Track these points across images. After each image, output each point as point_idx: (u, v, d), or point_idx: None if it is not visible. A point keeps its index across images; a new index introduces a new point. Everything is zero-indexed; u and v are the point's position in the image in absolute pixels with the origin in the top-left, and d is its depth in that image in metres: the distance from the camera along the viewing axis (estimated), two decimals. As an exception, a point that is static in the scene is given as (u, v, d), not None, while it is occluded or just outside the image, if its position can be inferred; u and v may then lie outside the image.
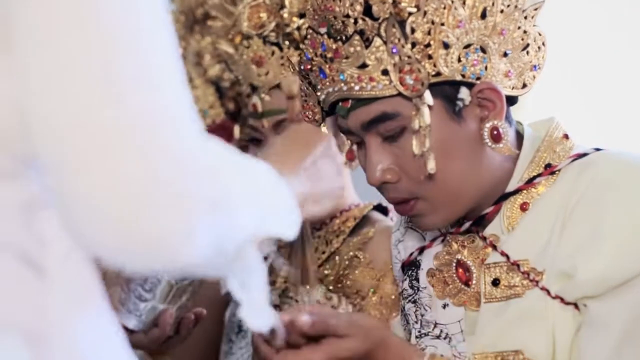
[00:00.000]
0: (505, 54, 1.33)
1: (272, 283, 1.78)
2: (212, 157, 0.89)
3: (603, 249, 1.24)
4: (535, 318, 1.28)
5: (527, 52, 1.35)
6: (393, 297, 1.63)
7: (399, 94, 1.29)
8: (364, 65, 1.30)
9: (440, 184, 1.31)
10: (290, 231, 1.01)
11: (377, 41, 1.28)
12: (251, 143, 1.78)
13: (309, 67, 1.37)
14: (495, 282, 1.33)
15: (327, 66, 1.33)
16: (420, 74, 1.27)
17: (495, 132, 1.32)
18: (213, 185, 0.87)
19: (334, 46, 1.32)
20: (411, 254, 1.49)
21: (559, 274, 1.28)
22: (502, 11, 1.31)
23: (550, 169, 1.36)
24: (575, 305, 1.27)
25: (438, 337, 1.41)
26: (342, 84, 1.32)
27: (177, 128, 0.84)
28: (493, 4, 1.31)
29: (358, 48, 1.30)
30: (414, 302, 1.46)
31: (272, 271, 1.80)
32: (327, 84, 1.34)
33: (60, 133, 0.82)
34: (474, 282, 1.37)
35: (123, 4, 0.84)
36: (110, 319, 0.93)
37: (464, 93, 1.31)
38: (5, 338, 0.85)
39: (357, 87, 1.31)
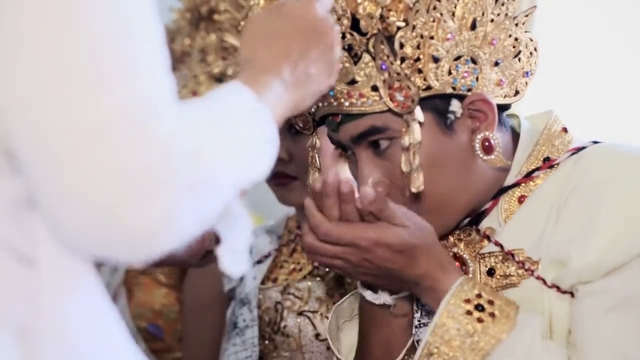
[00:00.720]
0: (496, 63, 1.32)
1: (274, 280, 1.80)
2: (192, 131, 0.87)
3: (596, 237, 1.23)
4: (530, 307, 1.27)
5: (519, 59, 1.34)
6: None
7: (389, 110, 1.28)
8: (353, 82, 1.29)
9: (430, 198, 1.30)
10: (268, 165, 0.97)
11: (366, 57, 1.28)
12: None
13: None
14: (491, 272, 1.33)
15: None
16: (410, 90, 1.26)
17: (486, 144, 1.31)
18: (195, 166, 0.85)
19: None
20: None
21: (553, 262, 1.27)
22: (492, 20, 1.30)
23: (549, 163, 1.35)
24: (572, 294, 1.26)
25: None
26: (332, 100, 1.31)
27: (158, 113, 0.83)
28: (483, 14, 1.30)
29: (347, 64, 1.29)
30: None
31: (273, 269, 1.83)
32: (320, 99, 1.32)
33: (39, 129, 0.82)
34: (470, 275, 1.36)
35: None
36: (107, 310, 0.92)
37: (455, 105, 1.30)
38: (3, 339, 0.86)
39: (346, 103, 1.30)
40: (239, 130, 0.94)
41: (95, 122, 0.81)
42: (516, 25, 1.33)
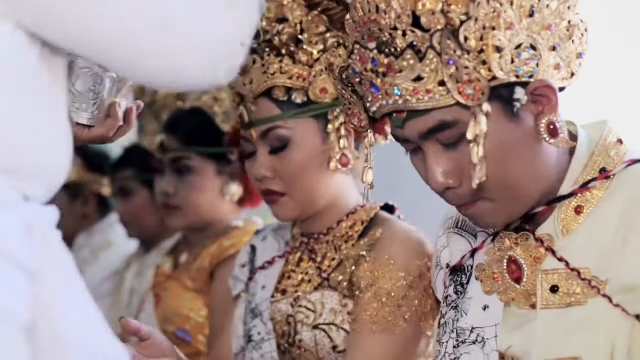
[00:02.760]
0: (554, 48, 1.33)
1: (283, 292, 1.77)
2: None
3: None
4: (595, 326, 1.29)
5: (573, 42, 1.35)
6: (392, 294, 1.63)
7: (457, 103, 1.29)
8: (419, 79, 1.30)
9: (501, 185, 1.32)
10: None
11: (431, 53, 1.28)
12: (246, 158, 1.76)
13: (357, 80, 1.37)
14: (554, 289, 1.34)
15: (380, 80, 1.33)
16: (481, 83, 1.27)
17: (552, 127, 1.32)
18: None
19: (385, 61, 1.31)
20: (463, 257, 1.49)
21: (623, 287, 1.29)
22: (547, 6, 1.32)
23: (605, 174, 1.36)
24: (637, 317, 1.28)
25: (474, 342, 1.42)
26: (397, 98, 1.32)
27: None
28: (539, 1, 1.31)
29: (412, 62, 1.29)
30: (455, 307, 1.47)
31: (281, 280, 1.80)
32: (380, 97, 1.34)
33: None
34: (524, 280, 1.38)
35: None
36: (94, 311, 1.12)
37: (519, 93, 1.31)
38: (12, 331, 1.04)
39: (413, 100, 1.31)
40: None
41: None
42: (568, 8, 1.35)
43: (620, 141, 1.41)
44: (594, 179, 1.37)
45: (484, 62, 1.28)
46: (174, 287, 2.46)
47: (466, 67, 1.27)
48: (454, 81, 1.28)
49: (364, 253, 1.69)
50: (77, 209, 3.53)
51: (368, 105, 1.38)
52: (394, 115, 1.34)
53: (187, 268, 2.46)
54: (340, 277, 1.71)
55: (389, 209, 1.80)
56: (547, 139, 1.32)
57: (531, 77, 1.32)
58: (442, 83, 1.29)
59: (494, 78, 1.29)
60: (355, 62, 1.36)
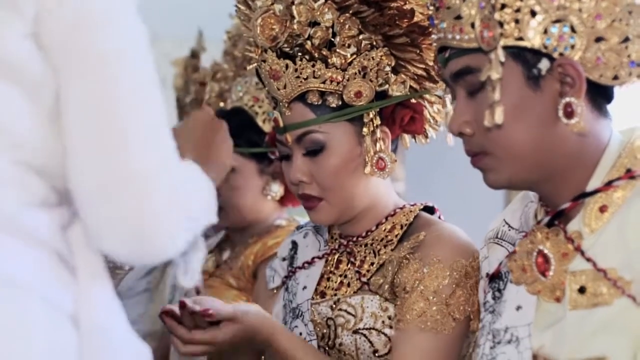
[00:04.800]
0: (598, 39, 1.35)
1: (322, 294, 1.76)
2: (183, 179, 1.26)
3: None
4: (620, 326, 1.30)
5: (626, 47, 1.36)
6: (439, 292, 1.62)
7: (480, 50, 1.36)
8: (459, 17, 1.39)
9: (505, 141, 1.38)
10: (214, 216, 1.35)
11: None
12: (281, 160, 1.78)
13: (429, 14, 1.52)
14: (582, 290, 1.35)
15: (435, 14, 1.44)
16: (496, 30, 1.33)
17: (569, 109, 1.35)
18: (187, 204, 1.25)
19: None
20: (500, 264, 1.51)
21: None
22: None
23: (629, 174, 1.37)
24: None
25: (509, 342, 1.43)
26: (442, 33, 1.42)
27: (169, 169, 1.22)
28: None
29: (457, 1, 1.39)
30: (492, 311, 1.49)
31: (320, 281, 1.79)
32: (435, 31, 1.46)
33: (88, 179, 1.18)
34: (550, 273, 1.39)
35: (136, 91, 1.20)
36: (117, 302, 1.27)
37: (543, 64, 1.35)
38: (63, 316, 1.18)
39: (449, 36, 1.41)
40: (199, 182, 1.35)
41: (127, 176, 1.18)
42: (630, 12, 1.35)
43: None
44: (618, 178, 1.38)
45: (517, 21, 1.34)
46: (217, 285, 2.48)
47: (490, 13, 1.33)
48: (480, 24, 1.36)
49: (409, 256, 1.68)
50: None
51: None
52: (441, 54, 1.45)
53: (230, 266, 2.48)
54: (381, 281, 1.70)
55: (429, 210, 1.79)
56: (562, 118, 1.36)
57: (561, 55, 1.35)
58: (472, 25, 1.37)
59: (521, 39, 1.35)
60: None
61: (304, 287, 1.79)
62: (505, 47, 1.35)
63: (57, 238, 1.21)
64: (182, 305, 1.60)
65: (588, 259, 1.35)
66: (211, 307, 1.61)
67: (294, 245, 1.88)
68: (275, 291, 1.88)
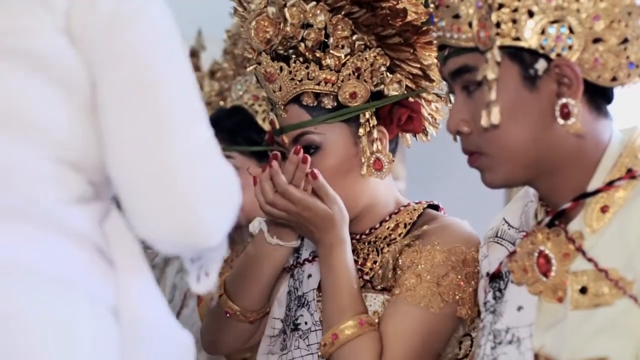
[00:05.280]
0: (595, 40, 1.34)
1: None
2: (221, 167, 1.27)
3: None
4: (622, 326, 1.30)
5: (625, 48, 1.35)
6: (431, 271, 1.63)
7: (477, 49, 1.36)
8: (457, 16, 1.39)
9: (501, 141, 1.38)
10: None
11: None
12: (282, 160, 1.77)
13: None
14: (583, 290, 1.35)
15: (435, 12, 1.44)
16: (492, 30, 1.33)
17: (565, 110, 1.35)
18: (227, 191, 1.26)
19: None
20: (500, 263, 1.50)
21: None
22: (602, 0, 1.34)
23: (630, 174, 1.37)
24: None
25: (510, 342, 1.43)
26: (441, 31, 1.42)
27: (209, 156, 1.24)
28: None
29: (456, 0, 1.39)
30: (493, 312, 1.49)
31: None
32: (435, 29, 1.45)
33: (131, 170, 1.20)
34: (552, 274, 1.39)
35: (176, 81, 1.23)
36: (160, 296, 1.29)
37: (540, 64, 1.35)
38: (104, 310, 1.20)
39: (448, 35, 1.40)
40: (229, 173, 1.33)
41: (166, 169, 1.20)
42: (629, 14, 1.35)
43: None
44: (619, 179, 1.37)
45: (515, 21, 1.34)
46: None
47: (487, 12, 1.33)
48: (477, 24, 1.36)
49: (411, 243, 1.69)
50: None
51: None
52: (441, 52, 1.44)
53: (230, 265, 2.48)
54: (382, 272, 1.70)
55: (434, 208, 1.79)
56: (559, 119, 1.35)
57: (558, 55, 1.35)
58: (470, 24, 1.37)
59: (518, 39, 1.34)
60: None
61: (309, 275, 1.80)
62: (502, 47, 1.34)
63: (96, 232, 1.23)
64: (297, 151, 1.67)
65: (589, 260, 1.35)
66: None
67: (301, 236, 1.86)
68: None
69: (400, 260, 1.68)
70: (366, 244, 1.76)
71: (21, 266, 1.15)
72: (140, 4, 1.22)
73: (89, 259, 1.21)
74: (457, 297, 1.64)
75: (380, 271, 1.71)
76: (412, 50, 1.72)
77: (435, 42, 1.48)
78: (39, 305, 1.14)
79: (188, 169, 1.20)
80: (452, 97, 1.50)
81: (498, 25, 1.34)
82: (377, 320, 1.67)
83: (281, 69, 1.70)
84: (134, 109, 1.20)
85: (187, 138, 1.21)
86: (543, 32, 1.34)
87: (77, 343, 1.16)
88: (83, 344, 1.16)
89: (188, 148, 1.21)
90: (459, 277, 1.64)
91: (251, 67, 1.80)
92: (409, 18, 1.69)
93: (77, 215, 1.21)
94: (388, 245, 1.73)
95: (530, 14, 1.34)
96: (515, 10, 1.34)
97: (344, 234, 1.68)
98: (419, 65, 1.73)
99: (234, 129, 2.42)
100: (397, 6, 1.69)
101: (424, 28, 1.68)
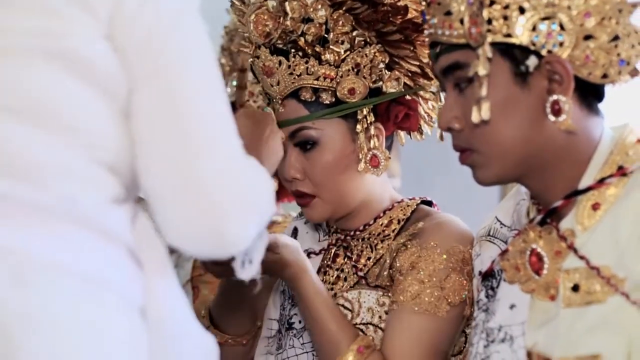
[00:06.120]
0: (586, 37, 1.35)
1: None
2: (249, 175, 1.29)
3: None
4: (614, 323, 1.31)
5: (616, 45, 1.36)
6: (433, 275, 1.63)
7: (468, 46, 1.36)
8: (449, 13, 1.39)
9: (491, 138, 1.38)
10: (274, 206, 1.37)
11: None
12: None
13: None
14: (575, 288, 1.35)
15: (427, 10, 1.44)
16: (483, 27, 1.34)
17: (556, 107, 1.35)
18: (255, 198, 1.28)
19: None
20: (493, 262, 1.51)
21: (637, 285, 1.30)
22: None
23: (621, 171, 1.37)
24: None
25: (502, 340, 1.43)
26: (433, 28, 1.42)
27: (237, 166, 1.27)
28: None
29: None
30: (486, 310, 1.49)
31: (317, 274, 1.77)
32: (427, 26, 1.45)
33: (159, 181, 1.23)
34: (544, 272, 1.40)
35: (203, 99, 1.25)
36: (183, 296, 1.32)
37: (531, 61, 1.35)
38: (134, 310, 1.22)
39: (440, 32, 1.41)
40: (262, 175, 1.36)
41: (197, 178, 1.23)
42: (619, 11, 1.35)
43: (639, 141, 1.41)
44: (610, 176, 1.38)
45: (506, 18, 1.34)
46: (212, 280, 2.48)
47: (478, 9, 1.33)
48: (468, 21, 1.36)
49: (407, 243, 1.69)
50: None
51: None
52: (433, 49, 1.45)
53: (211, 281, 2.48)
54: (378, 270, 1.70)
55: (427, 204, 1.80)
56: (550, 116, 1.36)
57: (549, 52, 1.35)
58: (461, 21, 1.37)
59: (509, 35, 1.35)
60: None
61: None
62: (493, 44, 1.35)
63: (127, 233, 1.26)
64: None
65: (581, 257, 1.36)
66: None
67: (295, 231, 1.88)
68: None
69: (397, 262, 1.68)
70: (360, 240, 1.76)
71: (56, 266, 1.18)
72: (181, 12, 1.25)
73: (122, 259, 1.24)
74: (463, 296, 1.64)
75: (375, 268, 1.71)
76: (412, 48, 1.72)
77: (427, 39, 1.49)
78: (70, 306, 1.17)
79: (219, 182, 1.23)
80: (443, 95, 1.50)
81: (489, 21, 1.35)
82: (374, 321, 1.68)
83: (280, 63, 1.70)
84: (166, 124, 1.22)
85: (218, 152, 1.24)
86: (534, 28, 1.34)
87: (107, 343, 1.19)
88: (113, 344, 1.19)
89: (218, 162, 1.24)
90: (461, 277, 1.64)
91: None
92: (409, 15, 1.70)
93: (113, 216, 1.24)
94: (382, 241, 1.73)
95: (522, 11, 1.34)
96: (507, 6, 1.34)
97: (302, 263, 1.68)
98: (418, 63, 1.73)
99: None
100: (398, 3, 1.69)
101: (424, 25, 1.68)
